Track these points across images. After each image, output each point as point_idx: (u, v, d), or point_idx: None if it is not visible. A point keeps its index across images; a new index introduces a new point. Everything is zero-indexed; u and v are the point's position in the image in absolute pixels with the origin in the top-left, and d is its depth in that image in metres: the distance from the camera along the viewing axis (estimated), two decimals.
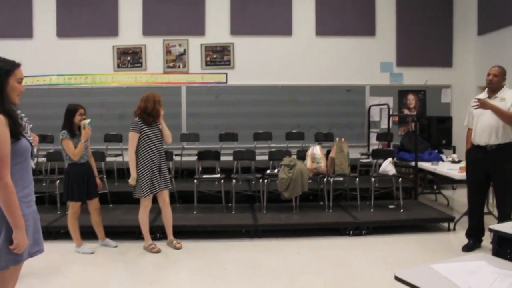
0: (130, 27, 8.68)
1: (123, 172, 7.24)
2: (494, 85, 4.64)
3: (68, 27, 8.60)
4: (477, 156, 4.72)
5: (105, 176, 6.50)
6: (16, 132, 2.18)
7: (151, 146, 4.80)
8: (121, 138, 7.64)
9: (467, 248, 4.81)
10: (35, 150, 2.38)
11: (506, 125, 4.50)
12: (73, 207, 4.77)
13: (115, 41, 8.70)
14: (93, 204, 4.89)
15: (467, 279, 1.99)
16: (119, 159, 7.48)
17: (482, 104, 4.48)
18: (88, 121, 4.72)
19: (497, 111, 4.45)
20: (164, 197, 4.96)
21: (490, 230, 2.69)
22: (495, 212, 5.18)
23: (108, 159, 6.92)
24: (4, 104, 2.18)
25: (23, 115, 2.32)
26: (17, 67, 2.29)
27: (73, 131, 4.73)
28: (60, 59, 8.53)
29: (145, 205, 4.86)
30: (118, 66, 8.74)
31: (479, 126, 4.66)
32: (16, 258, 2.21)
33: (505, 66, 7.83)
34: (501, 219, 4.54)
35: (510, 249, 2.71)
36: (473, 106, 4.57)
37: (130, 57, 8.74)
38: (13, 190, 2.13)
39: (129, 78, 8.74)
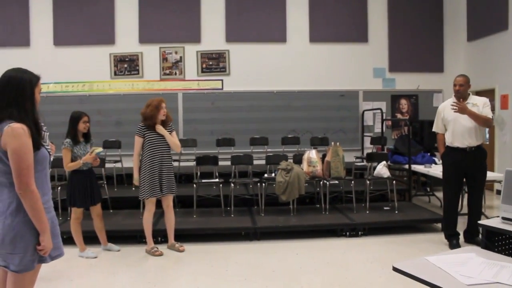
0: (127, 35, 8.81)
1: (122, 178, 7.36)
2: (461, 94, 4.99)
3: (65, 35, 8.72)
4: (456, 157, 4.98)
5: (104, 182, 6.60)
6: (37, 142, 2.29)
7: (154, 150, 4.91)
8: (120, 145, 7.75)
9: (455, 246, 4.98)
10: (51, 158, 2.49)
11: (480, 127, 4.90)
12: (75, 212, 4.86)
13: (111, 49, 8.83)
14: (96, 210, 4.98)
15: (458, 268, 2.14)
16: (118, 165, 7.59)
17: (461, 109, 4.77)
18: (99, 150, 4.79)
19: (474, 115, 4.79)
20: (168, 201, 5.08)
21: (480, 225, 2.85)
22: (488, 213, 5.37)
23: (107, 165, 7.01)
24: (34, 114, 2.31)
25: (42, 124, 2.43)
26: (39, 79, 2.42)
27: (76, 138, 4.81)
28: (57, 67, 8.61)
29: (149, 209, 4.97)
30: (115, 74, 8.86)
31: (457, 129, 4.95)
32: (41, 260, 2.33)
33: (494, 71, 8.11)
34: (476, 215, 4.97)
35: (498, 242, 2.87)
36: (453, 109, 4.84)
37: (127, 65, 8.86)
38: (38, 197, 2.24)
39: (126, 85, 8.86)
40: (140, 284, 4.20)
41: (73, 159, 4.75)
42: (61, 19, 8.72)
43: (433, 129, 5.29)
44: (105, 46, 8.80)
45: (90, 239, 5.11)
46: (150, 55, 8.88)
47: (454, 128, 4.96)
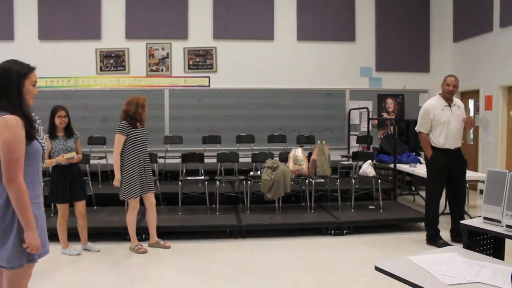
0: (113, 30, 8.73)
1: (107, 175, 7.30)
2: (454, 95, 5.11)
3: (50, 29, 8.60)
4: (446, 159, 5.06)
5: (89, 179, 6.54)
6: (30, 133, 2.25)
7: (137, 148, 4.88)
8: (105, 141, 7.70)
9: (443, 245, 5.02)
10: (46, 153, 2.45)
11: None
12: (60, 209, 4.80)
13: (98, 44, 8.74)
14: (78, 208, 4.89)
15: (440, 268, 2.16)
16: (103, 161, 7.52)
17: (472, 123, 5.12)
18: (71, 155, 4.68)
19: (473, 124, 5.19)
20: (151, 199, 5.04)
21: (462, 225, 2.87)
22: (471, 212, 5.43)
23: (92, 161, 6.95)
24: (21, 106, 2.26)
25: (37, 117, 2.39)
26: (32, 71, 2.35)
27: (53, 133, 4.71)
28: (42, 61, 8.32)
29: (133, 207, 4.93)
30: (101, 69, 8.77)
31: (451, 132, 5.03)
32: (30, 257, 2.28)
33: (479, 72, 8.19)
34: (461, 213, 5.14)
35: (479, 242, 2.90)
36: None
37: (113, 60, 8.78)
38: (25, 191, 2.19)
39: (112, 81, 8.78)
40: (124, 281, 4.16)
41: (51, 154, 4.66)
42: (46, 12, 8.59)
43: (418, 128, 5.23)
44: (91, 41, 8.70)
45: (72, 236, 5.03)
46: (137, 51, 8.81)
47: (448, 131, 5.02)
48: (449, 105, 5.05)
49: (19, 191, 2.16)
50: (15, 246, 2.21)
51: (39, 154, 2.34)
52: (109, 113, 8.47)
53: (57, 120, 4.73)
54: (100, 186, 7.06)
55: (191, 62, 8.93)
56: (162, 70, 8.89)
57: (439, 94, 5.13)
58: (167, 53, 8.88)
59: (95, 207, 6.33)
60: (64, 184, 4.74)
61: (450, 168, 5.06)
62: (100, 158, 7.48)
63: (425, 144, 5.17)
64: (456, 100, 5.17)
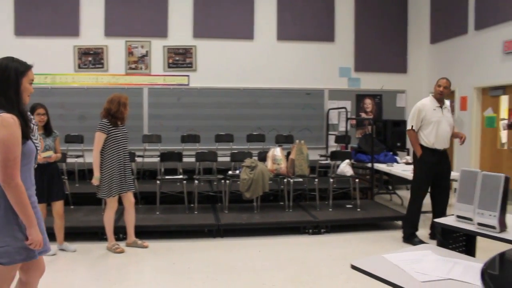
0: (92, 27, 8.61)
1: (84, 173, 7.21)
2: (445, 96, 5.22)
3: (27, 25, 8.44)
4: (434, 158, 5.16)
5: (66, 178, 6.45)
6: (26, 133, 2.24)
7: (118, 147, 4.83)
8: (82, 139, 7.61)
9: (419, 243, 5.11)
10: (38, 153, 2.43)
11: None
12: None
13: (76, 41, 8.61)
14: (55, 207, 4.80)
15: (414, 266, 2.20)
16: (80, 160, 7.43)
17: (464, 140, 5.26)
18: (48, 154, 4.61)
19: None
20: (130, 198, 5.01)
21: (435, 223, 2.93)
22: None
23: (69, 160, 6.85)
24: (19, 104, 2.23)
25: (32, 117, 2.35)
26: (30, 68, 2.34)
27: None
28: (17, 57, 8.32)
29: (112, 206, 4.88)
30: (79, 67, 8.66)
31: (441, 133, 5.13)
32: (30, 254, 2.29)
33: (455, 73, 8.34)
34: (443, 211, 5.23)
35: (452, 240, 2.96)
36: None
37: (91, 58, 8.67)
38: (23, 190, 2.20)
39: (90, 79, 8.67)
40: (101, 281, 4.13)
41: None
42: (23, 8, 8.43)
43: (410, 127, 5.23)
44: (69, 38, 8.56)
45: (48, 236, 4.95)
46: (116, 49, 8.71)
47: (438, 131, 5.11)
48: (441, 106, 5.17)
49: (17, 190, 2.17)
50: (12, 244, 2.21)
51: (32, 154, 2.33)
52: (87, 111, 8.37)
53: (36, 118, 4.60)
54: (77, 185, 6.97)
55: (170, 61, 8.88)
56: (141, 68, 8.82)
57: (432, 95, 5.26)
58: (147, 51, 8.82)
59: (72, 206, 6.25)
60: (41, 183, 4.64)
61: (438, 167, 5.15)
62: (78, 156, 7.38)
63: (415, 141, 5.22)
64: (447, 103, 5.34)
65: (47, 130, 4.75)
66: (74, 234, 5.23)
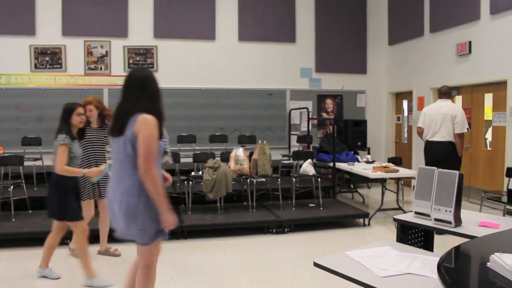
0: (49, 26, 8.38)
1: (43, 177, 7.01)
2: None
3: None
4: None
5: (23, 181, 6.27)
6: (161, 133, 2.63)
7: (91, 149, 4.63)
8: (40, 142, 7.40)
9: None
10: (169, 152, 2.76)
11: None
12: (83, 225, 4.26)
13: (32, 40, 8.36)
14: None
15: (375, 262, 2.27)
16: (38, 163, 7.22)
17: None
18: (105, 166, 4.22)
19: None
20: (105, 204, 4.84)
21: (395, 219, 3.02)
22: (405, 208, 5.71)
23: (26, 163, 6.65)
24: (159, 107, 2.71)
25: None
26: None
27: (71, 134, 4.06)
28: None
29: (87, 214, 4.64)
30: (36, 67, 8.41)
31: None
32: (162, 235, 2.69)
33: (412, 74, 8.57)
34: None
35: (411, 235, 3.07)
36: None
37: (48, 58, 8.45)
38: (159, 180, 2.56)
39: (48, 79, 8.44)
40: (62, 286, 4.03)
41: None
42: None
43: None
44: (24, 37, 8.31)
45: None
46: (74, 49, 8.52)
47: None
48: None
49: (154, 180, 2.52)
50: (148, 227, 2.59)
51: (161, 152, 2.70)
52: (44, 113, 8.13)
53: (76, 119, 4.14)
54: (35, 189, 6.77)
55: (131, 61, 8.75)
56: (101, 68, 8.66)
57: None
58: (106, 51, 8.66)
59: (30, 211, 6.06)
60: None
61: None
62: (35, 159, 7.17)
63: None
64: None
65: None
66: (35, 239, 5.05)
